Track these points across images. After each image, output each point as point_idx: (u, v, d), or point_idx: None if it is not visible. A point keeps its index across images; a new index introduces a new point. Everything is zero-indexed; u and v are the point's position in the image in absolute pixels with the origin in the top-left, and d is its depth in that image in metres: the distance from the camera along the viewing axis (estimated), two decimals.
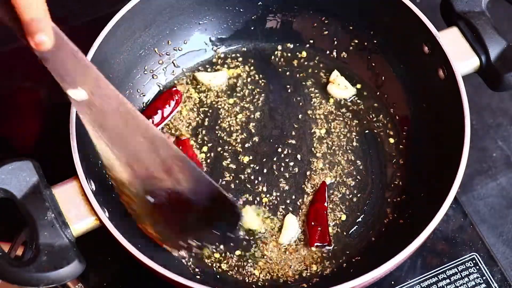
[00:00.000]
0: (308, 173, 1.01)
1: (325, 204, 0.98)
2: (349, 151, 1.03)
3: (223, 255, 0.95)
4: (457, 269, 0.97)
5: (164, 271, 0.82)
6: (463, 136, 0.89)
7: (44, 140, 1.10)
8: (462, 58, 0.96)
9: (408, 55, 1.03)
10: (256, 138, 1.04)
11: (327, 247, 0.96)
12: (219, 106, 1.07)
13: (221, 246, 0.95)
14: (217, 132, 1.05)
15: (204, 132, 1.05)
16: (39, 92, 1.16)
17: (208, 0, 1.07)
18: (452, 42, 0.96)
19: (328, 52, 1.11)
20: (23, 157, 0.86)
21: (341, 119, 1.06)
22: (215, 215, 0.90)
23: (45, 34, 0.68)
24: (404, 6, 0.98)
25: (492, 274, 0.96)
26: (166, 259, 0.93)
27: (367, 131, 1.05)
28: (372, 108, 1.06)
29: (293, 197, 1.00)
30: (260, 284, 0.94)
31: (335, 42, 1.10)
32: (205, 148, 1.03)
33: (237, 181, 1.01)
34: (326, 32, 1.10)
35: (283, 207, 0.99)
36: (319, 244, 0.96)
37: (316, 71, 1.10)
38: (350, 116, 1.06)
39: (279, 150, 1.03)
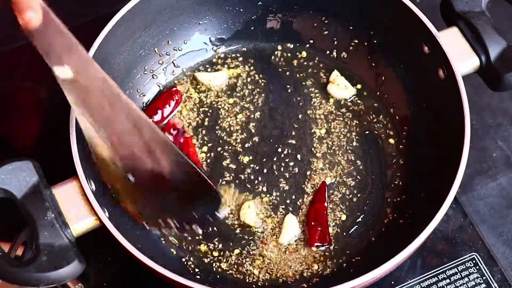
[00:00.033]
0: (308, 173, 1.01)
1: (325, 204, 0.98)
2: (349, 151, 1.03)
3: (221, 253, 0.96)
4: (457, 269, 0.97)
5: (164, 271, 0.82)
6: (463, 136, 0.89)
7: (44, 140, 1.10)
8: (462, 58, 0.96)
9: (408, 55, 1.03)
10: (256, 138, 1.04)
11: (327, 247, 0.96)
12: (219, 106, 1.07)
13: (218, 244, 0.96)
14: (217, 132, 1.05)
15: (204, 132, 1.05)
16: (39, 92, 1.16)
17: (208, 0, 1.07)
18: (452, 42, 0.96)
19: (328, 52, 1.11)
20: (23, 157, 0.86)
21: (341, 119, 1.06)
22: (195, 198, 0.91)
23: (33, 11, 0.70)
24: (404, 6, 0.98)
25: (492, 274, 0.96)
26: (166, 259, 0.93)
27: (367, 131, 1.05)
28: (372, 108, 1.06)
29: (293, 197, 1.00)
30: (260, 284, 0.94)
31: (335, 42, 1.10)
32: (205, 148, 1.03)
33: (237, 181, 1.01)
34: (326, 32, 1.10)
35: (283, 207, 0.99)
36: (319, 244, 0.96)
37: (316, 71, 1.10)
38: (350, 116, 1.06)
39: (279, 150, 1.03)
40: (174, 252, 0.96)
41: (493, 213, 1.07)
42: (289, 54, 1.11)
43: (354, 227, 0.98)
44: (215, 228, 0.97)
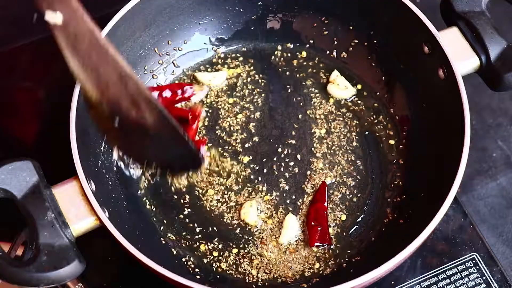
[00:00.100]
0: (308, 173, 1.01)
1: (325, 204, 0.98)
2: (349, 151, 1.03)
3: (221, 253, 0.96)
4: (457, 269, 0.97)
5: (164, 271, 0.82)
6: (463, 136, 0.89)
7: (44, 140, 1.10)
8: (462, 58, 0.96)
9: (408, 55, 1.03)
10: (256, 138, 1.04)
11: (327, 247, 0.96)
12: (219, 106, 1.07)
13: (218, 244, 0.96)
14: (217, 132, 1.05)
15: (204, 132, 1.05)
16: (39, 92, 1.16)
17: (208, 0, 1.07)
18: (452, 42, 0.96)
19: (328, 52, 1.11)
20: (23, 157, 0.86)
21: (341, 119, 1.06)
22: (178, 153, 0.91)
23: None
24: (404, 6, 0.98)
25: (492, 274, 0.96)
26: (166, 259, 0.93)
27: (367, 131, 1.05)
28: (372, 108, 1.06)
29: (293, 197, 1.00)
30: (260, 284, 0.94)
31: (335, 42, 1.10)
32: (205, 148, 1.03)
33: (237, 181, 1.01)
34: (326, 32, 1.10)
35: (283, 207, 0.99)
36: (319, 244, 0.96)
37: (316, 71, 1.10)
38: (350, 116, 1.06)
39: (279, 150, 1.03)
40: (174, 252, 0.96)
41: (493, 213, 1.07)
42: (289, 54, 1.11)
43: (354, 227, 0.98)
44: (215, 228, 0.98)
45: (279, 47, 1.12)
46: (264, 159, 1.03)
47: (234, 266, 0.95)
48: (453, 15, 0.99)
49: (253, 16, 1.10)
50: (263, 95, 1.08)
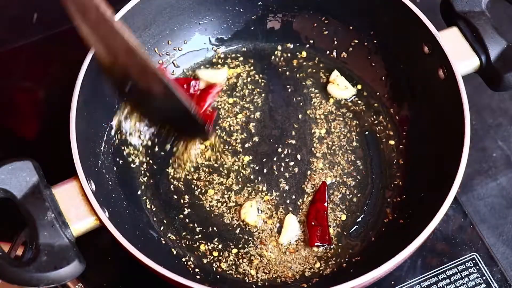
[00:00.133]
0: (308, 173, 1.01)
1: (325, 204, 0.98)
2: (349, 151, 1.03)
3: (221, 253, 0.96)
4: (457, 269, 0.97)
5: (164, 271, 0.82)
6: (463, 136, 0.89)
7: (44, 140, 1.10)
8: (462, 58, 0.96)
9: (408, 55, 1.02)
10: (256, 138, 1.04)
11: (327, 247, 0.96)
12: (219, 106, 1.07)
13: (218, 244, 0.96)
14: (217, 132, 1.05)
15: None
16: (39, 92, 1.16)
17: (208, 0, 1.07)
18: (452, 42, 0.96)
19: (328, 52, 1.11)
20: (23, 157, 0.86)
21: (341, 119, 1.06)
22: (186, 121, 0.92)
23: None
24: (404, 6, 0.98)
25: (492, 274, 0.96)
26: (166, 259, 0.93)
27: (367, 132, 1.05)
28: (372, 108, 1.06)
29: (293, 197, 1.00)
30: (260, 284, 0.94)
31: (335, 42, 1.10)
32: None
33: (237, 181, 1.01)
34: (326, 32, 1.10)
35: (283, 207, 0.99)
36: (319, 244, 0.96)
37: (316, 71, 1.10)
38: (350, 116, 1.06)
39: (279, 150, 1.03)
40: (174, 252, 0.96)
41: (493, 213, 1.07)
42: (289, 54, 1.11)
43: (354, 227, 0.98)
44: (215, 228, 0.98)
45: (279, 47, 1.12)
46: (264, 159, 1.03)
47: (234, 266, 0.95)
48: (453, 15, 0.99)
49: (253, 16, 1.10)
50: (263, 95, 1.08)
